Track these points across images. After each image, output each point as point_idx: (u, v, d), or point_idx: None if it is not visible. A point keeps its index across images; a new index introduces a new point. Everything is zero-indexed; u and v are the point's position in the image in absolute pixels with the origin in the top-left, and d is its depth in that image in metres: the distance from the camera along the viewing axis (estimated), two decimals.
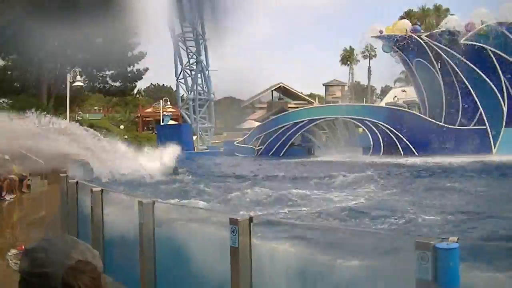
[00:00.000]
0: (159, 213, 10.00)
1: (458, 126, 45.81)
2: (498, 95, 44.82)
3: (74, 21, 48.65)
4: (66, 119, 44.87)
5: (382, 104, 76.98)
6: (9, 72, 67.37)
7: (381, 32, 50.03)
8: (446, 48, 46.09)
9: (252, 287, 7.48)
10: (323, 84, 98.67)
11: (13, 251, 2.43)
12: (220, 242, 8.15)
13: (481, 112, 45.19)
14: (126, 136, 54.27)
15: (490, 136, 44.87)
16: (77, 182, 15.30)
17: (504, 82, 44.84)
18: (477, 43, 44.97)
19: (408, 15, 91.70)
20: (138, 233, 9.94)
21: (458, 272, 5.34)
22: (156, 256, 9.89)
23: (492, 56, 44.82)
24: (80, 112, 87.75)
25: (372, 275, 7.24)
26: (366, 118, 48.77)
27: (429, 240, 5.46)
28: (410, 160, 42.36)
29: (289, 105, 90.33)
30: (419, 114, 49.47)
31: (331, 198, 20.92)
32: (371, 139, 48.17)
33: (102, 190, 12.58)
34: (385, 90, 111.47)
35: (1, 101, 64.45)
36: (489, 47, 44.66)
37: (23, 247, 2.44)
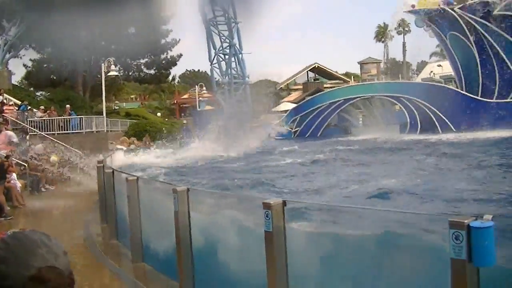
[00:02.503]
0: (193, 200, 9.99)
1: (495, 100, 45.17)
2: None
3: (105, 11, 48.92)
4: (102, 109, 45.39)
5: (418, 80, 76.45)
6: (45, 65, 68.09)
7: (413, 6, 49.52)
8: (480, 20, 45.42)
9: (287, 272, 7.46)
10: (358, 62, 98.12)
11: None
12: (255, 227, 8.14)
13: None
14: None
15: None
16: (113, 171, 15.36)
17: None
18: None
19: None
20: (174, 221, 9.94)
21: (494, 251, 5.26)
22: (193, 244, 9.89)
23: None
24: (117, 102, 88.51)
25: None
26: (401, 95, 48.36)
27: (463, 219, 5.38)
28: (445, 136, 41.63)
29: (325, 85, 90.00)
30: (455, 89, 48.93)
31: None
32: (407, 117, 47.81)
33: (137, 178, 12.61)
34: (421, 66, 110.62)
35: (39, 94, 65.31)
36: None
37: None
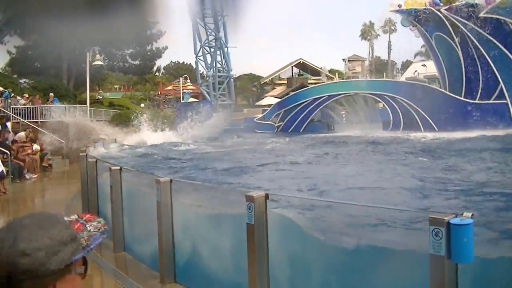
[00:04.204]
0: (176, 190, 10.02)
1: (478, 100, 45.36)
2: None
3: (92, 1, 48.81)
4: (86, 98, 45.30)
5: (403, 79, 76.66)
6: (29, 52, 67.80)
7: (399, 6, 49.50)
8: (466, 22, 45.52)
9: (268, 264, 7.53)
10: (342, 59, 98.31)
11: None
12: (237, 219, 8.18)
13: (501, 86, 44.69)
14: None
15: (511, 110, 44.33)
16: (96, 160, 15.37)
17: None
18: (497, 16, 44.44)
19: None
20: (156, 211, 9.99)
21: (472, 248, 5.35)
22: (175, 234, 9.96)
23: None
24: (100, 91, 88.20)
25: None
26: (385, 93, 48.47)
27: (443, 216, 5.47)
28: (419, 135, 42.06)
29: (309, 81, 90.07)
30: (439, 89, 48.99)
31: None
32: (390, 114, 47.92)
33: (121, 168, 12.65)
34: (405, 65, 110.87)
35: (22, 81, 64.96)
36: (510, 20, 44.11)
37: None
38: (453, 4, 48.03)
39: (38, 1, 50.91)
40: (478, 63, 45.28)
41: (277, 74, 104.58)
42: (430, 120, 45.70)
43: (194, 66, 64.22)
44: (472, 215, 5.41)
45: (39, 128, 35.45)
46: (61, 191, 22.49)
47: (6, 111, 37.20)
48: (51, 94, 43.18)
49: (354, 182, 16.92)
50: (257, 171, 20.12)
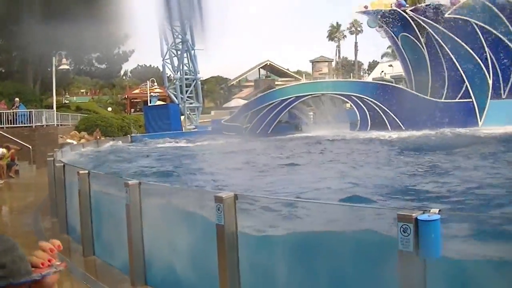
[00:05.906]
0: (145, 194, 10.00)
1: (444, 99, 45.82)
2: (484, 68, 44.82)
3: (58, 5, 48.50)
4: (52, 103, 45.00)
5: (370, 79, 77.14)
6: None
7: (366, 7, 49.85)
8: (431, 22, 45.99)
9: (238, 264, 7.55)
10: (309, 60, 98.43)
11: None
12: (207, 220, 8.18)
13: (467, 86, 45.19)
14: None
15: (476, 109, 44.91)
16: (64, 165, 15.27)
17: (489, 55, 44.80)
18: (462, 17, 44.93)
19: None
20: (125, 214, 9.97)
21: (440, 243, 5.42)
22: (144, 237, 9.93)
23: (477, 30, 44.78)
24: (67, 96, 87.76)
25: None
26: (352, 94, 48.68)
27: (410, 212, 5.53)
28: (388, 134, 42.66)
29: (276, 83, 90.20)
30: (406, 89, 49.43)
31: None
32: (358, 114, 48.14)
33: (89, 172, 12.59)
34: (372, 65, 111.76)
35: None
36: (474, 21, 44.64)
37: None
38: (419, 5, 48.53)
39: (1, 5, 50.51)
40: (444, 63, 45.79)
41: (244, 76, 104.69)
42: (397, 120, 46.01)
43: (161, 69, 64.08)
44: (439, 210, 5.49)
45: (4, 134, 35.20)
46: (29, 197, 22.29)
47: None
48: (17, 99, 42.70)
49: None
50: None
